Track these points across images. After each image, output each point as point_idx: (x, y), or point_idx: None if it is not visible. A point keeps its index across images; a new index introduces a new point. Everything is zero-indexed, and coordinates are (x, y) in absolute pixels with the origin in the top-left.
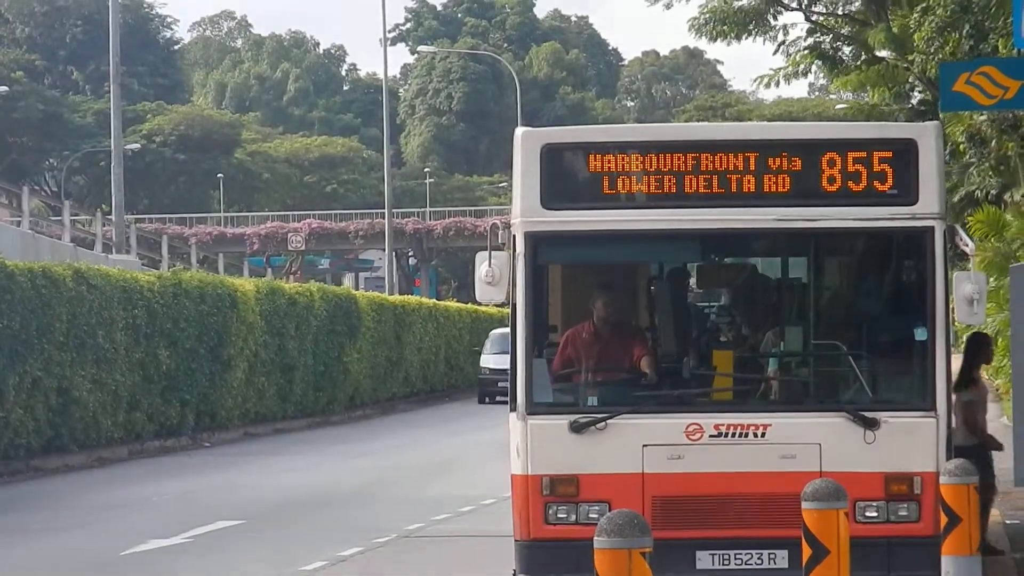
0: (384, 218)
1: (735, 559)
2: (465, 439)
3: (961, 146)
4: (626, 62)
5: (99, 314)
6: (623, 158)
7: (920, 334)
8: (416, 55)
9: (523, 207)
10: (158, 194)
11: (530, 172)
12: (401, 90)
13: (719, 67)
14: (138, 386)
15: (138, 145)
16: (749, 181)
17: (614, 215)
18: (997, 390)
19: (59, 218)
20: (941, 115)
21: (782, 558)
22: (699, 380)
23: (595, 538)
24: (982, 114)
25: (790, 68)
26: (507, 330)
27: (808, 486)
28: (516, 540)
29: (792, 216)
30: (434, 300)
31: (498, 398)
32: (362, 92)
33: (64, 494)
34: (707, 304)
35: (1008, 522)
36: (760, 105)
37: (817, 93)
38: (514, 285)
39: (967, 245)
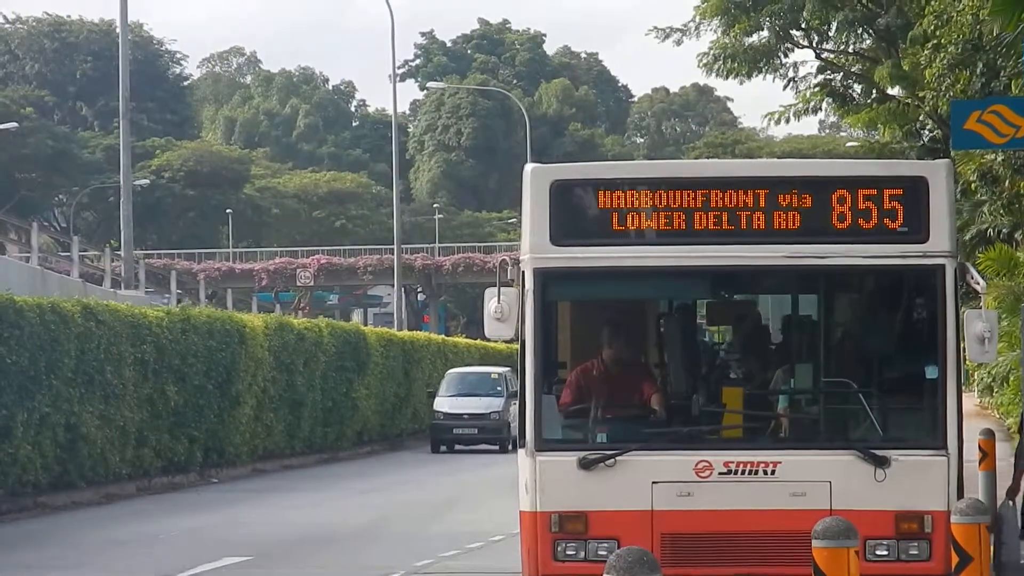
0: (393, 254)
1: None
2: (474, 475)
3: (973, 185)
4: (636, 99)
5: (107, 350)
6: (632, 194)
7: (931, 372)
8: (425, 91)
9: (532, 243)
10: (167, 229)
11: (539, 208)
12: (410, 126)
13: (729, 104)
14: (146, 422)
15: (147, 181)
16: (759, 218)
17: (623, 251)
18: (1009, 429)
19: (68, 254)
20: (952, 153)
21: None
22: (709, 417)
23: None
24: (995, 152)
25: (800, 105)
26: (465, 370)
27: (819, 524)
28: None
29: (802, 253)
30: (443, 336)
31: (456, 447)
32: (371, 128)
33: (71, 531)
34: (716, 341)
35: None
36: (770, 142)
37: (828, 131)
38: (523, 321)
39: (978, 284)
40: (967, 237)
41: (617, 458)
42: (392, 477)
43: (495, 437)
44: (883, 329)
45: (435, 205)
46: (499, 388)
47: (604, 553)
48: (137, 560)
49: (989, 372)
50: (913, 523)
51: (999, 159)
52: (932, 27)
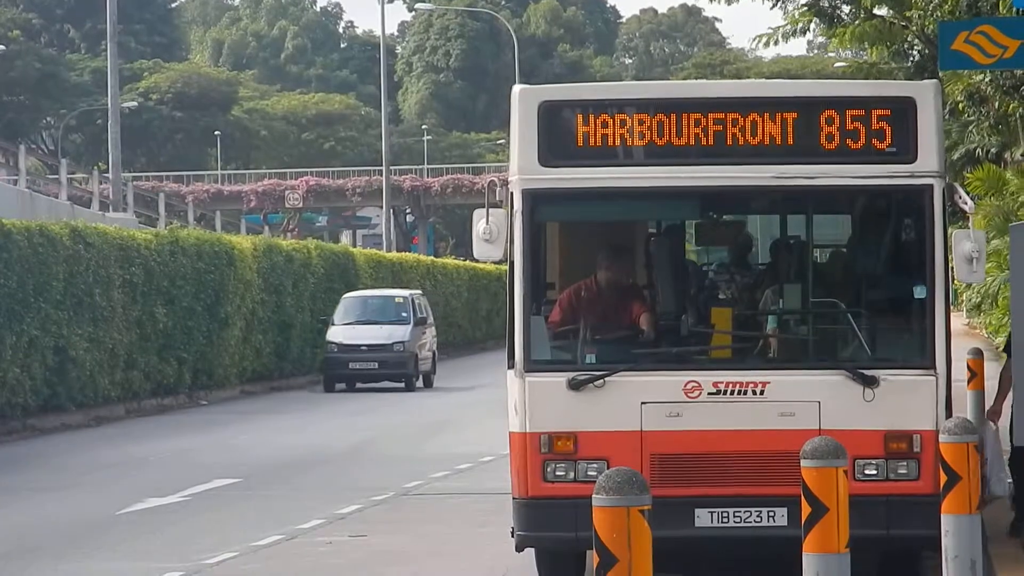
0: (382, 175)
1: (734, 517)
2: (461, 397)
3: (961, 105)
4: (624, 19)
5: (96, 273)
6: (621, 115)
7: (919, 292)
8: (414, 12)
9: (520, 164)
10: (155, 152)
11: (527, 130)
12: (399, 47)
13: (717, 25)
14: (135, 345)
15: (135, 103)
16: (747, 138)
17: (611, 172)
18: (997, 348)
19: (56, 176)
20: (940, 74)
21: (781, 516)
22: (698, 338)
23: (593, 496)
24: (982, 73)
25: (788, 26)
26: (364, 293)
27: (807, 444)
28: (514, 498)
29: (790, 174)
30: (432, 257)
31: (358, 384)
32: (359, 50)
33: (61, 453)
34: (706, 262)
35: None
36: (758, 63)
37: (816, 51)
38: (511, 242)
39: (966, 204)
40: (955, 157)
41: (606, 379)
42: (382, 399)
43: (399, 372)
44: (871, 249)
45: (423, 127)
46: (404, 314)
47: (594, 474)
48: (128, 482)
49: (978, 292)
50: (902, 443)
51: (987, 79)
52: None
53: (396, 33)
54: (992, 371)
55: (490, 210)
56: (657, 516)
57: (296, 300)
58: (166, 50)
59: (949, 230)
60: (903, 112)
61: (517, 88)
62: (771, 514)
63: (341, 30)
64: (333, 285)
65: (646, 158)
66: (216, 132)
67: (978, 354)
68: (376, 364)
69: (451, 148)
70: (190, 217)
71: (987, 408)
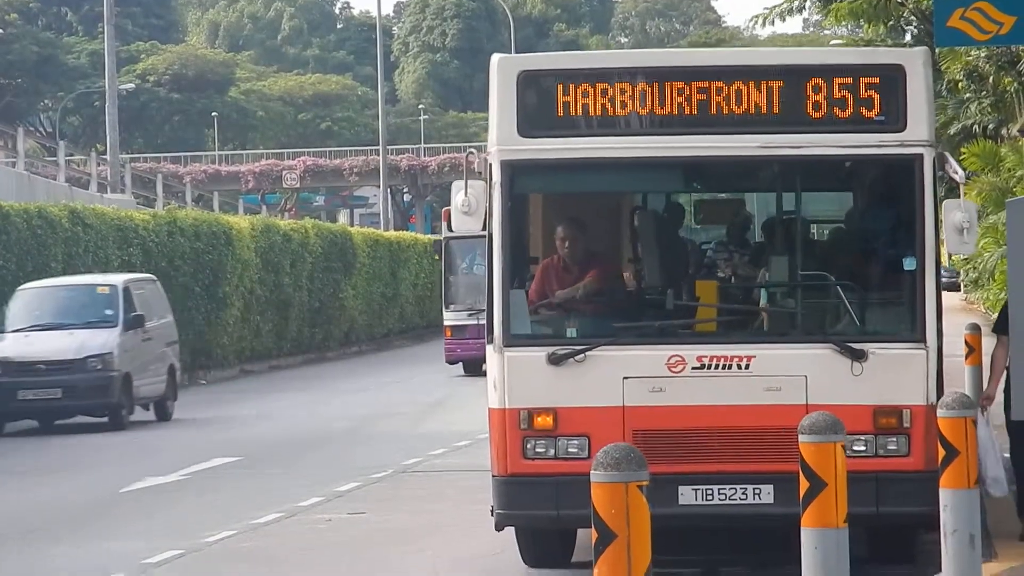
0: (379, 155)
1: (719, 494)
2: (464, 375)
3: (960, 84)
4: None
5: (95, 254)
6: (601, 84)
7: (909, 264)
8: None
9: (499, 135)
10: (152, 133)
11: (506, 100)
12: (395, 28)
13: (713, 3)
14: None
15: (132, 85)
16: (732, 107)
17: (592, 143)
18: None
19: (54, 159)
20: (937, 51)
21: (767, 493)
22: (681, 311)
23: (591, 472)
24: (980, 49)
25: (785, 4)
26: (47, 284)
27: (805, 419)
28: (493, 476)
29: (776, 143)
30: (429, 236)
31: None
32: (356, 30)
33: (61, 434)
34: (690, 234)
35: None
36: (755, 41)
37: (812, 29)
38: (490, 214)
39: (957, 173)
40: (951, 132)
41: (587, 353)
42: (380, 377)
43: (96, 403)
44: (860, 220)
45: (420, 106)
46: (110, 312)
47: (574, 450)
48: (127, 461)
49: (975, 267)
50: (891, 418)
51: (984, 54)
52: None
53: (392, 14)
54: (990, 346)
55: (469, 182)
56: None
57: (294, 280)
58: (163, 32)
59: (940, 200)
60: (892, 80)
61: (496, 57)
62: (757, 491)
63: (337, 11)
64: (331, 264)
65: (627, 128)
66: (213, 113)
67: (976, 329)
68: (60, 391)
69: (448, 128)
70: (188, 198)
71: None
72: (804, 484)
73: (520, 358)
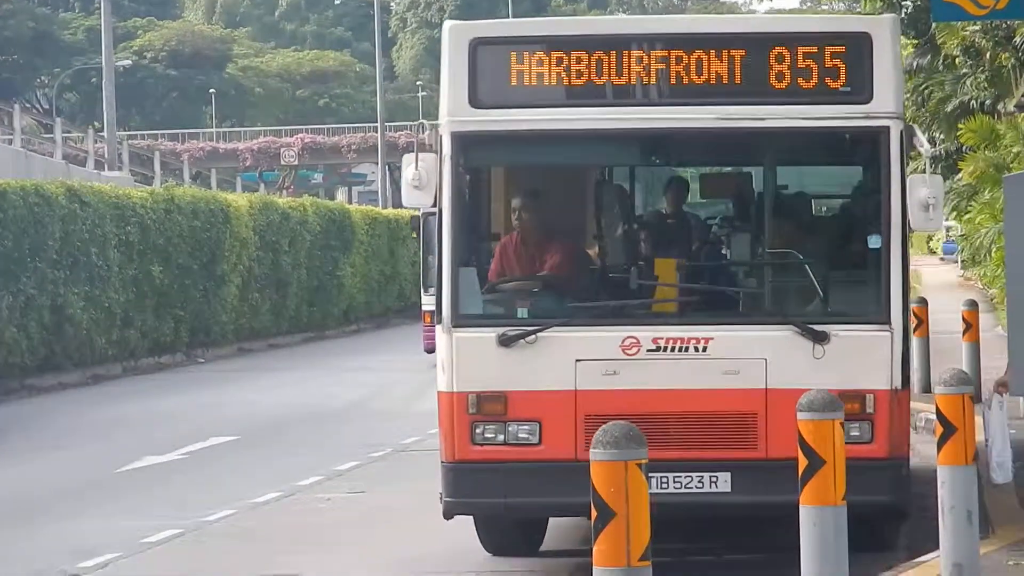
0: (377, 132)
1: (674, 482)
2: None
3: (956, 59)
4: None
5: (92, 231)
6: (557, 53)
7: (874, 242)
8: None
9: (450, 106)
10: (150, 110)
11: (458, 68)
12: (393, 3)
13: None
14: (131, 303)
15: (129, 61)
16: (691, 77)
17: (547, 114)
18: (992, 300)
19: (51, 136)
20: (934, 26)
21: (724, 481)
22: (636, 291)
23: (591, 450)
24: (976, 24)
25: None
26: None
27: (803, 397)
28: (442, 462)
29: (736, 115)
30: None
31: None
32: (354, 6)
33: (59, 412)
34: (647, 210)
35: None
36: (753, 17)
37: (809, 4)
38: (440, 190)
39: (923, 146)
40: (948, 109)
41: (538, 334)
42: (378, 356)
43: None
44: (824, 196)
45: (418, 83)
46: None
47: (524, 436)
48: (125, 440)
49: (971, 244)
50: (854, 403)
51: (980, 30)
52: None
53: None
54: (987, 323)
55: (420, 155)
56: (590, 481)
57: (293, 258)
58: (160, 8)
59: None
60: (858, 48)
61: (447, 24)
62: (714, 479)
63: None
64: (330, 242)
65: (583, 99)
66: (211, 90)
67: (973, 305)
68: None
69: None
70: (185, 175)
71: (996, 380)
72: (803, 462)
73: (469, 339)
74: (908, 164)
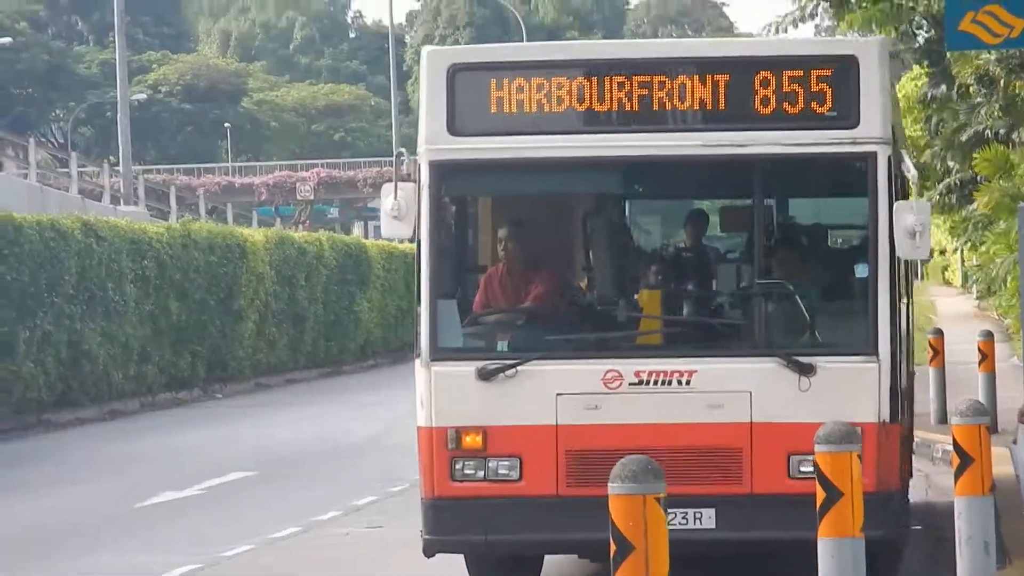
0: (392, 166)
1: None
2: None
3: (971, 88)
4: (632, 6)
5: (108, 266)
6: (537, 80)
7: (861, 271)
8: (421, 1)
9: (428, 134)
10: (165, 144)
11: (436, 95)
12: (407, 37)
13: (725, 9)
14: (148, 338)
15: (144, 95)
16: (673, 103)
17: (527, 141)
18: (1007, 330)
19: (66, 170)
20: (948, 55)
21: (709, 518)
22: (620, 323)
23: (609, 484)
24: (990, 53)
25: (797, 12)
26: None
27: (821, 429)
28: (421, 498)
29: (720, 141)
30: None
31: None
32: (368, 40)
33: (76, 448)
34: (630, 240)
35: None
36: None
37: (823, 35)
38: (419, 220)
39: (909, 171)
40: (963, 138)
41: (518, 368)
42: (395, 390)
43: None
44: (810, 224)
45: None
46: None
47: (505, 472)
48: (143, 476)
49: (986, 274)
50: None
51: (994, 58)
52: None
53: (404, 23)
54: (1003, 353)
55: (399, 184)
56: (573, 518)
57: (309, 292)
58: (174, 42)
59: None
60: (845, 72)
61: (426, 49)
62: (698, 515)
63: (349, 20)
64: (346, 276)
65: (564, 126)
66: (226, 124)
67: (988, 336)
68: None
69: None
70: (201, 210)
71: (1019, 409)
72: (820, 495)
73: (447, 373)
74: (914, 191)
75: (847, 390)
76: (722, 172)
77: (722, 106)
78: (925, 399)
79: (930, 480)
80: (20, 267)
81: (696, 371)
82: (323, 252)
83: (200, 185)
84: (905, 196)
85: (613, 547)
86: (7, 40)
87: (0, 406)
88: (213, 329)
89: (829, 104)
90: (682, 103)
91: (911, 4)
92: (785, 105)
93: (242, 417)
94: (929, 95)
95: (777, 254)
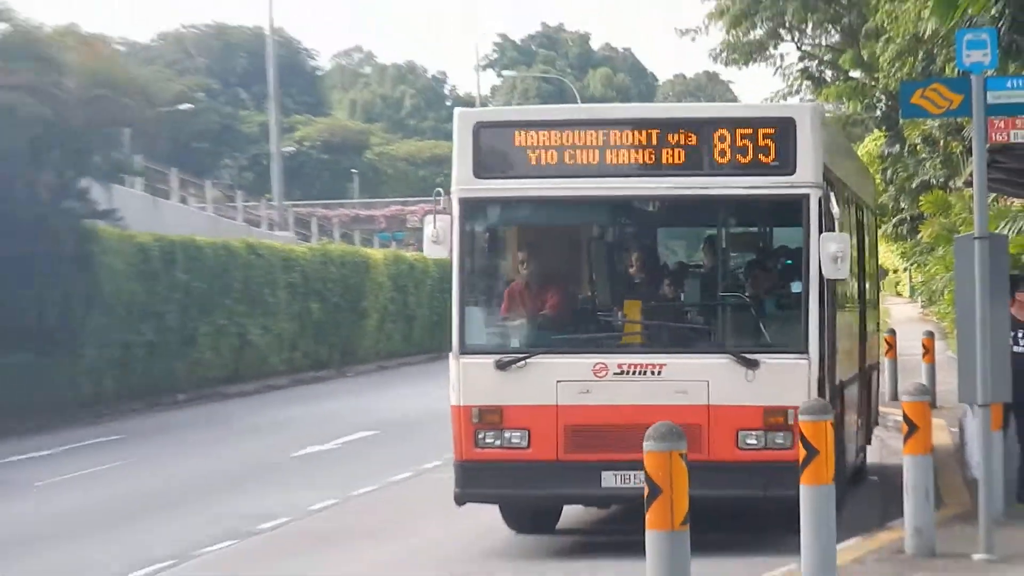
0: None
1: (634, 478)
2: None
3: (918, 146)
4: (660, 83)
5: (266, 277)
6: (543, 134)
7: (796, 287)
8: (501, 78)
9: (458, 177)
10: (308, 185)
11: (464, 147)
12: (490, 104)
13: (732, 86)
14: (296, 332)
15: (292, 148)
16: (651, 155)
17: (534, 183)
18: (944, 330)
19: (234, 204)
20: (901, 121)
21: None
22: (607, 326)
23: (644, 443)
24: (935, 120)
25: (785, 88)
26: None
27: (803, 403)
28: (454, 461)
29: (687, 185)
30: None
31: None
32: (461, 107)
33: (242, 414)
34: (616, 260)
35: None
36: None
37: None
38: (452, 243)
39: (834, 209)
40: (913, 186)
41: (527, 360)
42: None
43: None
44: (756, 250)
45: None
46: None
47: (517, 441)
48: (293, 434)
49: (929, 288)
50: (778, 417)
51: (936, 124)
52: (884, 23)
53: (488, 94)
54: (941, 348)
55: (437, 216)
56: (568, 477)
57: (417, 298)
58: (314, 108)
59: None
60: (785, 130)
61: (458, 110)
62: None
63: (447, 91)
64: (446, 285)
65: (564, 171)
66: (353, 170)
67: (931, 335)
68: None
69: None
70: (336, 235)
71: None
72: (802, 453)
73: (472, 364)
74: (871, 228)
75: (783, 381)
76: (690, 208)
77: (691, 156)
78: (882, 381)
79: (884, 443)
80: (200, 277)
81: (666, 364)
82: (428, 267)
83: (334, 216)
84: (832, 229)
85: (646, 491)
86: (189, 106)
87: (185, 382)
88: (345, 325)
89: (773, 156)
90: (657, 154)
91: (872, 83)
92: (738, 156)
93: (367, 391)
94: (886, 152)
95: (732, 274)
